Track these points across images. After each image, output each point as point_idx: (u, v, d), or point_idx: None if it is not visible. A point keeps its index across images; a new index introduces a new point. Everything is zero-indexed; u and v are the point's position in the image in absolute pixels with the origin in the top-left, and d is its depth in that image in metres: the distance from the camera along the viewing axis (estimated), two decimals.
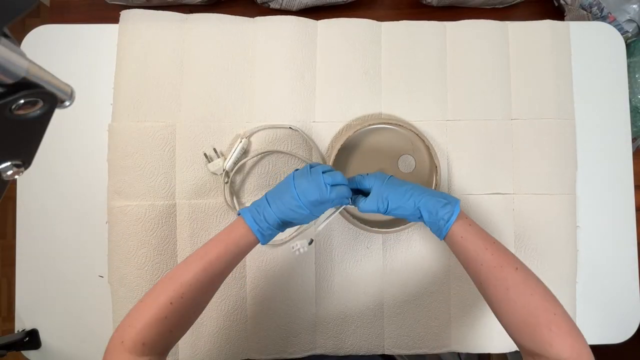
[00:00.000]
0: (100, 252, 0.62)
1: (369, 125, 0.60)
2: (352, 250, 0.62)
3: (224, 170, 0.60)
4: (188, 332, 0.58)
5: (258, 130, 0.61)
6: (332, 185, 0.47)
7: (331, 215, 0.56)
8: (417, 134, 0.60)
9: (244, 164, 0.61)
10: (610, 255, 0.65)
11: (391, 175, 0.52)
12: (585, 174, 0.65)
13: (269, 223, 0.46)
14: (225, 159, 0.60)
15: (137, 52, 0.61)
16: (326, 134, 0.62)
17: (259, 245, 0.53)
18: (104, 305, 0.61)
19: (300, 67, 0.62)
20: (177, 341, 0.44)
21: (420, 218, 0.49)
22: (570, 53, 0.65)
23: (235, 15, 0.64)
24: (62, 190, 0.63)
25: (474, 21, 0.65)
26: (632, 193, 0.65)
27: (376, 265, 0.62)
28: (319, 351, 0.62)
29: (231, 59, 0.62)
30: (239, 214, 0.48)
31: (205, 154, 0.60)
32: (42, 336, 0.62)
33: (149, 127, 0.60)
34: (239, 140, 0.60)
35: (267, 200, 0.47)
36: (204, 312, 0.59)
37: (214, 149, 0.61)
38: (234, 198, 0.61)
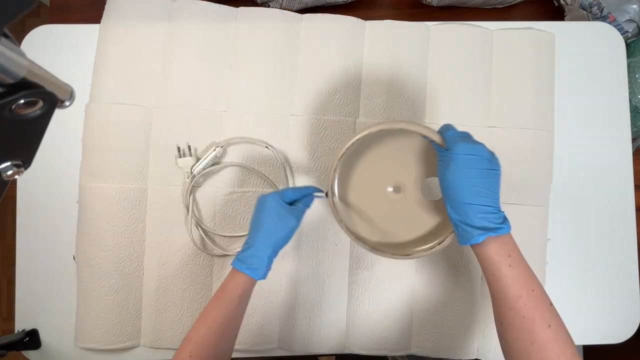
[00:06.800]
0: None
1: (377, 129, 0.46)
2: (320, 247, 0.62)
3: (191, 171, 0.60)
4: (151, 317, 0.61)
5: (235, 143, 0.61)
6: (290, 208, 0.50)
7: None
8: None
9: (210, 172, 0.61)
10: (610, 254, 0.65)
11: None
12: (585, 173, 0.65)
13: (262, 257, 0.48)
14: (198, 159, 0.60)
15: (121, 35, 0.62)
16: (302, 127, 0.62)
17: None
18: None
19: (282, 59, 0.63)
20: None
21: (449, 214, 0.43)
22: (554, 64, 0.65)
23: None
24: (62, 191, 0.62)
25: (458, 25, 0.65)
26: (632, 193, 0.65)
27: (344, 263, 0.62)
28: (283, 347, 0.61)
29: (214, 49, 0.62)
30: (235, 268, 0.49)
31: (178, 148, 0.60)
32: (42, 336, 0.62)
33: (125, 109, 0.61)
34: (213, 148, 0.60)
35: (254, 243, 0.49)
36: (167, 299, 0.60)
37: (189, 146, 0.61)
38: (192, 201, 0.60)
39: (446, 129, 0.45)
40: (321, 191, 0.54)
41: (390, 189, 0.53)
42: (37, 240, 0.62)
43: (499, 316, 0.41)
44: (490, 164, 0.42)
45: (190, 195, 0.60)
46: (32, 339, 0.61)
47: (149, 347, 0.61)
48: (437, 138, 0.44)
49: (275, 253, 0.50)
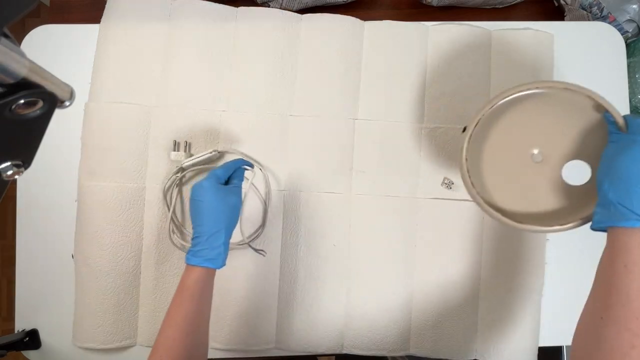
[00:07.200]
0: None
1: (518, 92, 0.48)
2: (319, 247, 0.62)
3: (181, 166, 0.60)
4: (148, 316, 0.61)
5: (233, 153, 0.61)
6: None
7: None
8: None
9: (203, 170, 0.61)
10: None
11: None
12: (585, 173, 0.65)
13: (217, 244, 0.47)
14: (191, 156, 0.60)
15: (121, 35, 0.62)
16: (302, 127, 0.62)
17: None
18: None
19: (282, 59, 0.63)
20: None
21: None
22: (553, 65, 0.65)
23: None
24: (62, 191, 0.62)
25: (458, 26, 0.64)
26: None
27: (342, 263, 0.62)
28: (281, 347, 0.61)
29: (214, 49, 0.63)
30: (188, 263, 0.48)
31: (175, 141, 0.61)
32: (42, 336, 0.62)
33: (124, 108, 0.61)
34: (210, 151, 0.60)
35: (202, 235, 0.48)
36: (164, 297, 0.60)
37: (186, 142, 0.61)
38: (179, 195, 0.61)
39: (634, 117, 0.46)
40: (249, 164, 0.55)
41: (533, 153, 0.51)
42: (37, 240, 0.62)
43: (603, 310, 0.40)
44: None
45: (176, 188, 0.60)
46: (32, 339, 0.61)
47: (146, 346, 0.61)
48: (620, 120, 0.45)
49: (228, 237, 0.49)
